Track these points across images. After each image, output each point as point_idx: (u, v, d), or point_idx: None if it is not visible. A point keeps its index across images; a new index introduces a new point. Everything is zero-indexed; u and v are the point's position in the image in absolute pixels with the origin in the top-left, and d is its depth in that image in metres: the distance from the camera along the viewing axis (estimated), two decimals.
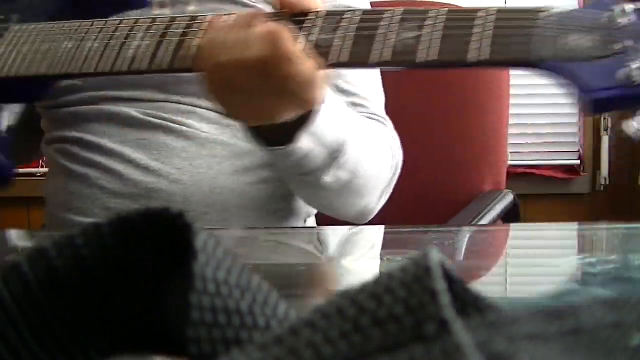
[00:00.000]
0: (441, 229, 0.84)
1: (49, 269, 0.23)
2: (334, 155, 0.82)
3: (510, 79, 2.66)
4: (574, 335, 0.19)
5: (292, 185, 0.90)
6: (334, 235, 0.85)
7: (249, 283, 0.22)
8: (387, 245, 0.77)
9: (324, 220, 1.06)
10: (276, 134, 0.76)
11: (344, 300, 0.19)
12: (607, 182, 2.36)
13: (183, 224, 0.22)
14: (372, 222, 0.96)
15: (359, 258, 0.73)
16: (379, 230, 0.89)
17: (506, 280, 0.64)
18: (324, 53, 0.65)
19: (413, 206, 0.94)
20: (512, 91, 2.38)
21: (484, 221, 1.18)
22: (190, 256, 0.22)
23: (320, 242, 0.82)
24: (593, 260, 0.63)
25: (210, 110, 0.93)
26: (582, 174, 2.38)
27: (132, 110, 0.92)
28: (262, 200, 0.95)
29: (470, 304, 0.20)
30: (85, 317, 0.24)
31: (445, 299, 0.17)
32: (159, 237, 0.23)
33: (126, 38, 0.73)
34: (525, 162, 2.39)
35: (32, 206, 2.15)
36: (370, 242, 0.85)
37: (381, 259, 0.70)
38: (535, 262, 0.67)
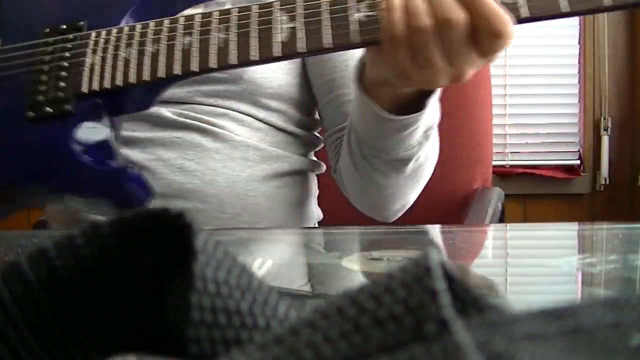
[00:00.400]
0: (441, 229, 0.84)
1: (49, 269, 0.23)
2: (428, 132, 0.81)
3: (509, 79, 2.64)
4: (574, 335, 0.19)
5: (373, 168, 0.87)
6: (338, 235, 0.85)
7: (249, 283, 0.22)
8: (387, 245, 0.77)
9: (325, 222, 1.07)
10: (411, 102, 0.75)
11: (344, 300, 0.19)
12: (607, 182, 2.36)
13: (183, 224, 0.22)
14: (371, 222, 0.96)
15: (359, 258, 0.73)
16: (382, 230, 0.89)
17: (506, 280, 0.64)
18: (513, 10, 0.64)
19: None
20: (511, 91, 2.38)
21: (494, 220, 1.19)
22: (190, 256, 0.22)
23: (325, 242, 0.82)
24: (593, 260, 0.63)
25: (241, 112, 0.92)
26: (582, 174, 2.38)
27: (164, 110, 0.91)
28: (287, 204, 0.96)
29: (470, 304, 0.20)
30: (85, 317, 0.24)
31: (445, 298, 0.17)
32: (159, 237, 0.23)
33: (264, 24, 0.68)
34: (525, 162, 2.40)
35: None
36: (373, 242, 0.85)
37: (381, 259, 0.70)
38: (535, 262, 0.67)
